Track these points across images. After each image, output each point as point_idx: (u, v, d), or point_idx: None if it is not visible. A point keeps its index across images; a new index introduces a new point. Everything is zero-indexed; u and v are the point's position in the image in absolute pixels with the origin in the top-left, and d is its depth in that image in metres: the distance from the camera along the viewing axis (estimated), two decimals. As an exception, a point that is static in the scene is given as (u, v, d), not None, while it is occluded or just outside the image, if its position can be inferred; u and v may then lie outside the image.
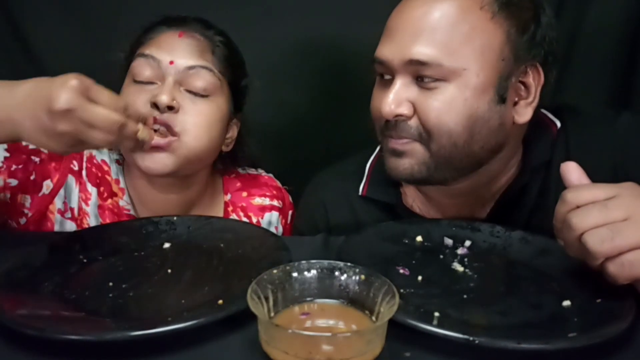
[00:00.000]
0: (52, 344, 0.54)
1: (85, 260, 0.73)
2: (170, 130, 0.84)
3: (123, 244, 0.79)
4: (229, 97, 0.92)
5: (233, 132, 0.97)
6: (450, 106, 0.74)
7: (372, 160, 0.96)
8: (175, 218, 0.85)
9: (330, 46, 1.26)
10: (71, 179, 0.92)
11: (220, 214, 1.01)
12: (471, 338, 0.53)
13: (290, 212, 1.08)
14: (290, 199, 1.09)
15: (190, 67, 0.85)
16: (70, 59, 1.23)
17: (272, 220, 1.03)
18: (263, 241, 0.77)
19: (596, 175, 0.67)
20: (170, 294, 0.66)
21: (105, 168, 0.95)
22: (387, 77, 0.79)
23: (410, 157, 0.78)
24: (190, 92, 0.86)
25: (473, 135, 0.76)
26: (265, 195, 1.04)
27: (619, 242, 0.56)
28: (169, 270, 0.71)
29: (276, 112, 1.32)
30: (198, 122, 0.86)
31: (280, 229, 1.04)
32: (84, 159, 0.94)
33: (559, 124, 0.85)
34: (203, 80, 0.86)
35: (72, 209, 0.92)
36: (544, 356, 0.54)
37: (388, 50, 0.77)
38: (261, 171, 1.10)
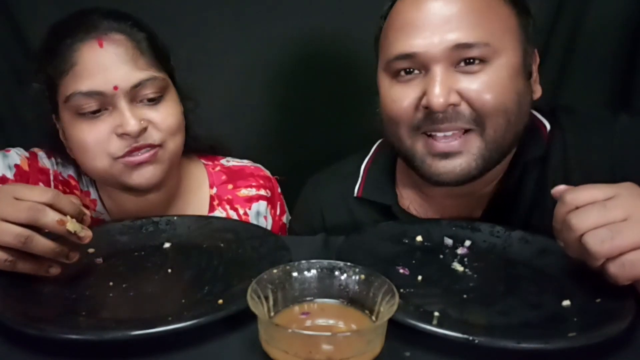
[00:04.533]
0: (52, 344, 0.55)
1: (85, 260, 0.73)
2: (150, 146, 0.82)
3: (123, 244, 0.79)
4: (174, 89, 0.89)
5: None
6: (500, 84, 0.75)
7: (367, 161, 0.96)
8: (175, 218, 0.85)
9: (330, 46, 1.26)
10: None
11: (206, 207, 0.99)
12: (471, 338, 0.53)
13: (279, 203, 1.06)
14: (280, 189, 1.07)
15: (136, 85, 0.80)
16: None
17: (260, 210, 1.01)
18: (263, 241, 0.77)
19: (594, 175, 0.67)
20: (170, 294, 0.66)
21: (73, 183, 0.94)
22: (413, 72, 0.77)
23: (466, 154, 0.76)
24: (146, 104, 0.83)
25: (521, 110, 0.77)
26: (251, 186, 1.02)
27: (619, 242, 0.56)
28: (169, 270, 0.71)
29: (276, 112, 1.32)
30: (170, 127, 0.84)
31: (270, 219, 1.02)
32: (51, 178, 0.92)
33: (548, 126, 0.85)
34: (152, 89, 0.82)
35: None
36: (544, 356, 0.54)
37: (422, 42, 0.74)
38: (247, 162, 1.07)
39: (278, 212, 1.05)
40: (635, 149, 0.79)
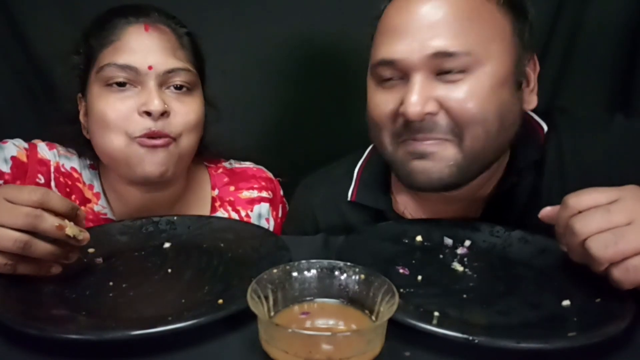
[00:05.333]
0: (52, 344, 0.55)
1: (85, 260, 0.73)
2: (166, 137, 0.83)
3: (123, 244, 0.79)
4: (201, 87, 0.90)
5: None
6: (480, 95, 0.72)
7: (361, 165, 0.95)
8: (175, 218, 0.85)
9: (330, 46, 1.25)
10: None
11: (207, 209, 0.99)
12: (471, 338, 0.53)
13: (281, 205, 1.06)
14: (282, 192, 1.08)
15: (169, 71, 0.83)
16: (70, 59, 1.23)
17: (262, 212, 1.01)
18: (263, 241, 0.77)
19: (591, 178, 0.67)
20: (170, 294, 0.66)
21: (75, 175, 0.93)
22: (395, 79, 0.76)
23: (440, 160, 0.74)
24: (173, 91, 0.85)
25: (503, 123, 0.74)
26: (253, 188, 1.02)
27: (622, 246, 0.56)
28: (169, 270, 0.72)
29: (275, 112, 1.32)
30: (189, 122, 0.85)
31: (272, 221, 1.02)
32: (52, 170, 0.92)
33: (545, 127, 0.84)
34: (183, 79, 0.85)
35: None
36: (544, 356, 0.54)
37: (403, 48, 0.73)
38: (249, 164, 1.08)
39: (280, 214, 1.05)
40: (632, 150, 0.79)
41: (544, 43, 1.17)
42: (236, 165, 1.06)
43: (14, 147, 0.91)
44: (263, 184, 1.04)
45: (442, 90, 0.73)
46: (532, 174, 0.83)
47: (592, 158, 0.80)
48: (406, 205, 0.90)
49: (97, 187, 0.94)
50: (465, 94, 0.72)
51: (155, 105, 0.80)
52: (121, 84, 0.82)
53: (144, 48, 0.83)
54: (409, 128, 0.75)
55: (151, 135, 0.82)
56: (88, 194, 0.93)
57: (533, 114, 0.86)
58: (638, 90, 1.18)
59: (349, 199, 0.92)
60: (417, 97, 0.72)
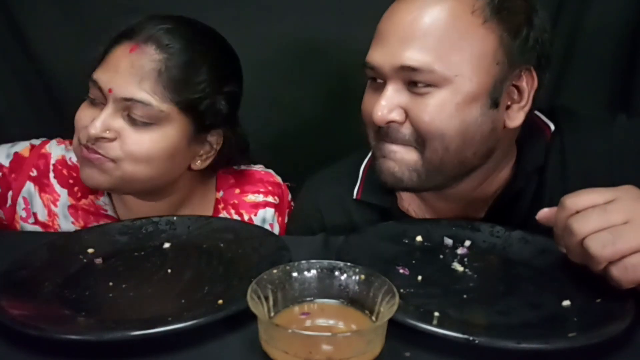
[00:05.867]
0: (52, 344, 0.55)
1: (85, 260, 0.73)
2: (103, 157, 0.82)
3: (123, 244, 0.79)
4: (183, 122, 0.84)
5: (211, 148, 0.91)
6: (442, 110, 0.73)
7: (366, 163, 0.95)
8: (175, 218, 0.85)
9: (329, 46, 1.25)
10: (29, 185, 0.94)
11: (210, 211, 0.99)
12: (471, 338, 0.53)
13: (288, 211, 1.05)
14: (290, 197, 1.07)
15: (127, 99, 0.80)
16: (70, 59, 1.23)
17: (266, 217, 1.00)
18: (263, 241, 0.77)
19: (593, 179, 0.67)
20: (170, 294, 0.66)
21: None
22: (379, 81, 0.78)
23: (401, 163, 0.77)
24: (132, 118, 0.82)
25: (465, 140, 0.75)
26: (258, 192, 1.01)
27: (620, 245, 0.56)
28: (169, 270, 0.71)
29: (275, 112, 1.32)
30: (134, 152, 0.82)
31: (277, 227, 1.01)
32: (51, 162, 0.95)
33: (552, 127, 0.84)
34: (141, 111, 0.81)
35: (35, 214, 0.94)
36: (544, 356, 0.54)
37: (379, 56, 0.76)
38: (259, 167, 1.06)
39: (287, 219, 1.04)
40: (634, 151, 0.79)
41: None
42: (244, 167, 1.04)
43: (23, 145, 0.96)
44: (270, 188, 1.02)
45: (409, 101, 0.75)
46: (536, 176, 0.83)
47: (594, 158, 0.80)
48: (410, 202, 0.91)
49: None
50: (428, 108, 0.73)
51: (92, 128, 0.80)
52: (92, 99, 0.84)
53: (116, 70, 0.81)
54: (379, 131, 0.78)
55: (87, 147, 0.82)
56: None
57: (540, 113, 0.86)
58: (638, 91, 1.18)
59: (354, 197, 0.92)
60: (384, 104, 0.75)
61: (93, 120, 0.81)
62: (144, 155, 0.82)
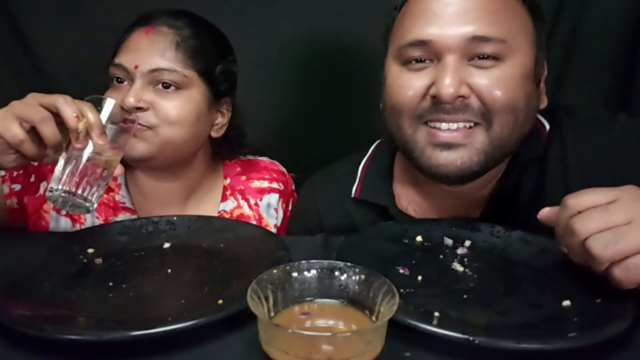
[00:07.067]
0: (52, 344, 0.55)
1: (85, 260, 0.73)
2: (143, 126, 0.88)
3: (123, 244, 0.79)
4: (203, 87, 0.94)
5: (223, 118, 1.00)
6: (512, 82, 0.74)
7: (365, 162, 0.95)
8: (175, 218, 0.85)
9: (330, 45, 1.26)
10: None
11: (219, 197, 1.03)
12: (471, 338, 0.53)
13: (291, 199, 1.09)
14: (294, 186, 1.10)
15: (153, 70, 0.89)
16: (70, 59, 1.24)
17: (271, 202, 1.05)
18: (263, 241, 0.77)
19: (593, 177, 0.67)
20: (170, 294, 0.66)
21: None
22: (424, 61, 0.76)
23: (469, 148, 0.75)
24: (161, 89, 0.90)
25: (529, 112, 0.77)
26: (264, 178, 1.06)
27: (622, 245, 0.56)
28: (169, 271, 0.71)
29: (276, 111, 1.32)
30: (169, 116, 0.90)
31: (281, 212, 1.05)
32: None
33: (547, 126, 0.85)
34: (168, 78, 0.89)
35: None
36: (544, 356, 0.54)
37: (437, 30, 0.74)
38: (264, 158, 1.11)
39: (290, 207, 1.08)
40: (635, 150, 0.79)
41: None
42: (250, 157, 1.10)
43: None
44: (274, 175, 1.08)
45: (475, 76, 0.74)
46: (535, 172, 0.83)
47: (595, 157, 0.80)
48: (410, 200, 0.91)
49: (119, 179, 1.01)
50: (497, 81, 0.74)
51: (128, 101, 0.86)
52: (119, 80, 0.91)
53: (138, 49, 0.90)
54: (439, 109, 0.75)
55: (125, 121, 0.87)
56: (111, 184, 1.00)
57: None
58: (638, 90, 1.18)
59: (352, 196, 0.92)
60: (451, 79, 0.73)
61: (123, 98, 0.87)
62: (176, 117, 0.90)
